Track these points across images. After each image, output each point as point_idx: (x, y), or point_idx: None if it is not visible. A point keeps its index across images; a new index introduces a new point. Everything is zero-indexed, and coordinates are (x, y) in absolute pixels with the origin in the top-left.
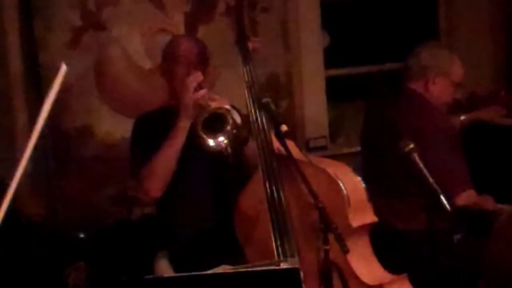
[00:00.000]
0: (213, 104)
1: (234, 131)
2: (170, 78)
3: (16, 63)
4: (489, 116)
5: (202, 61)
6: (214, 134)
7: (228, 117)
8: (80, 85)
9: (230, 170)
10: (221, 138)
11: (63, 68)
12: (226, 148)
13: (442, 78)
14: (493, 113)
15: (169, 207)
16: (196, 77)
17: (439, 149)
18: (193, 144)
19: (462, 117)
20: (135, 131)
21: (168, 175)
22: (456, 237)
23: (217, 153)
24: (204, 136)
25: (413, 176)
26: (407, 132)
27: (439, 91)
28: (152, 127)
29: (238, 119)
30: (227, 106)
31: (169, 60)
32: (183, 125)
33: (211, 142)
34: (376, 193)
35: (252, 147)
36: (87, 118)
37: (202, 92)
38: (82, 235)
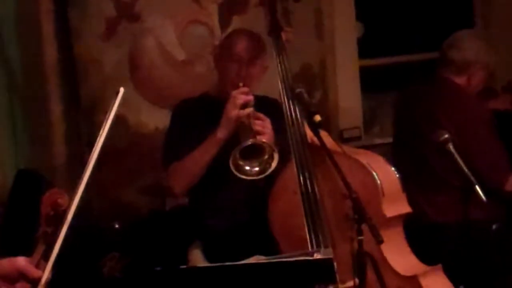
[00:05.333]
0: (256, 124)
1: (267, 165)
2: (221, 71)
3: (51, 54)
4: (503, 106)
5: (255, 59)
6: (249, 160)
7: (267, 152)
8: (115, 76)
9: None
10: (256, 169)
11: (121, 91)
12: (257, 176)
13: (483, 71)
14: (506, 102)
15: (201, 199)
16: (245, 94)
17: (483, 139)
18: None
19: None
20: (174, 118)
21: (195, 179)
22: (493, 227)
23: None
24: (241, 163)
25: (449, 166)
26: (449, 123)
27: (478, 82)
28: (192, 116)
29: (276, 161)
30: (271, 144)
31: (223, 54)
32: (221, 137)
33: (246, 168)
34: (412, 183)
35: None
36: (121, 108)
37: (248, 110)
38: (116, 226)
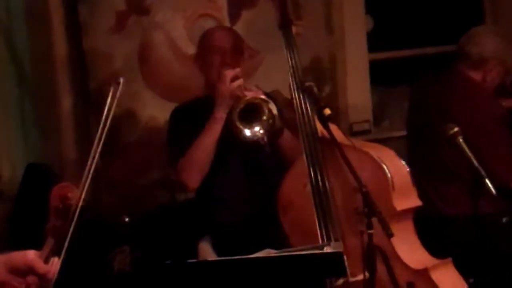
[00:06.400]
0: (249, 95)
1: (270, 121)
2: (206, 69)
3: (60, 48)
4: None
5: (237, 50)
6: (250, 124)
7: (264, 107)
8: (124, 70)
9: (268, 158)
10: (257, 128)
11: (121, 81)
12: (262, 138)
13: (499, 67)
14: None
15: (208, 193)
16: (234, 70)
17: (493, 135)
18: (230, 133)
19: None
20: (172, 122)
21: (206, 166)
22: (503, 220)
23: (253, 143)
24: (241, 127)
25: (459, 158)
26: (460, 116)
27: (494, 78)
28: (189, 118)
29: (275, 110)
30: (263, 97)
31: (204, 51)
32: (219, 116)
33: (247, 133)
34: (423, 176)
35: (287, 137)
36: (131, 102)
37: (238, 82)
38: (126, 219)
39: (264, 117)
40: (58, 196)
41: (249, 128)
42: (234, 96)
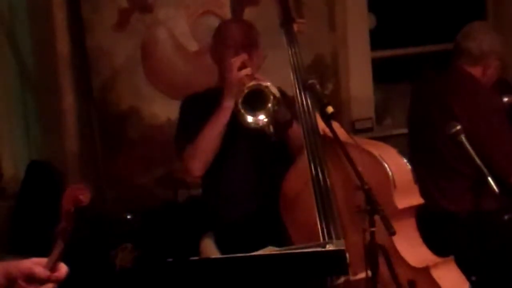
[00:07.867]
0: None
1: (276, 107)
2: (219, 61)
3: (63, 44)
4: None
5: (251, 43)
6: (254, 111)
7: (268, 94)
8: (127, 67)
9: (273, 150)
10: (261, 116)
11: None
12: (267, 126)
13: (497, 62)
14: None
15: (213, 189)
16: (241, 56)
17: (495, 129)
18: (236, 124)
19: (505, 99)
20: (182, 111)
21: (211, 154)
22: (505, 218)
23: (258, 131)
24: (243, 112)
25: (461, 155)
26: (462, 112)
27: (492, 74)
28: (200, 108)
29: (277, 93)
30: (267, 83)
31: (218, 44)
32: (227, 105)
33: (249, 119)
34: (424, 173)
35: (296, 129)
36: (134, 100)
37: (246, 71)
38: (129, 217)
39: (269, 105)
40: (71, 198)
41: (252, 115)
42: (242, 84)
